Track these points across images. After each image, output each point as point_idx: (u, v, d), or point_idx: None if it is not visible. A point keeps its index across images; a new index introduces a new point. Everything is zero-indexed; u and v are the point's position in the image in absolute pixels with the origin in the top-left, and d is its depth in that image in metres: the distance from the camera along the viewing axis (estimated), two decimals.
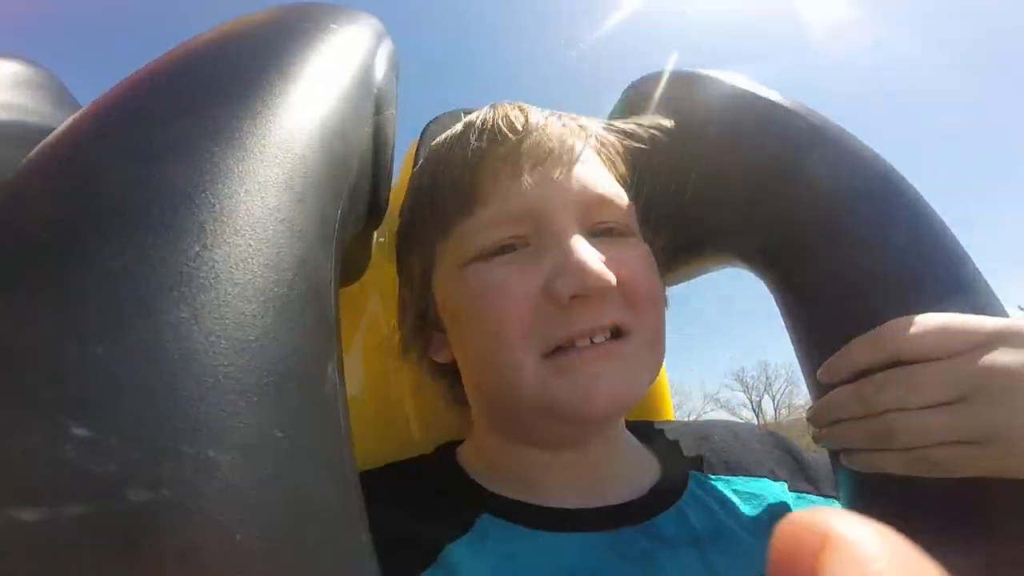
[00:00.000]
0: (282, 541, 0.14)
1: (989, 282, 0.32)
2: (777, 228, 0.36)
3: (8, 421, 0.12)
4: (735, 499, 0.36)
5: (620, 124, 0.36)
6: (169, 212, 0.16)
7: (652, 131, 0.36)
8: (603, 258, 0.30)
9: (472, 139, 0.33)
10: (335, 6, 0.30)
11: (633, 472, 0.36)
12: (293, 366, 0.17)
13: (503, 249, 0.31)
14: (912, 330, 0.27)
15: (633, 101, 0.41)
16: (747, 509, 0.36)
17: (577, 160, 0.32)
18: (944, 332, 0.27)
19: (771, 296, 0.39)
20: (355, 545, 0.18)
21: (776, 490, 0.37)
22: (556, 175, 0.31)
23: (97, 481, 0.12)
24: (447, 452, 0.39)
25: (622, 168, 0.36)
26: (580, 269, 0.28)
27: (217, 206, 0.17)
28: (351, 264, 0.40)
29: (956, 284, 0.31)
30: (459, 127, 0.36)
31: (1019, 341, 0.25)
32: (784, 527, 0.11)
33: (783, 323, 0.38)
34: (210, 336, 0.15)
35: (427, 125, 0.48)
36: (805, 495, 0.37)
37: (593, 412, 0.29)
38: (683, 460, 0.38)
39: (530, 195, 0.31)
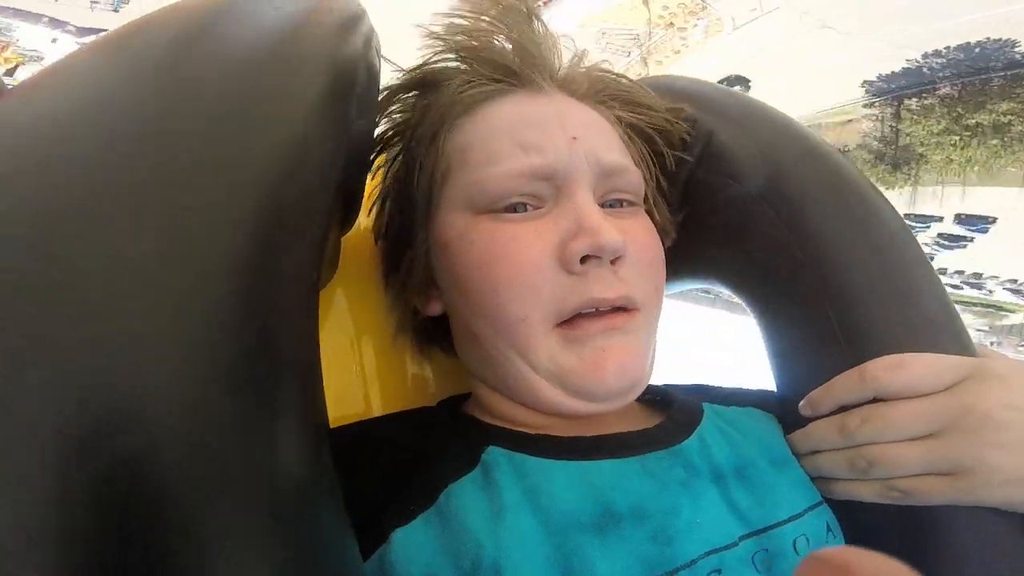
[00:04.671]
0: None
1: None
2: (763, 250, 0.36)
3: None
4: (750, 422, 0.35)
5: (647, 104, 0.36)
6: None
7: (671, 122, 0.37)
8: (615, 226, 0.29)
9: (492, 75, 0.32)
10: None
11: (647, 404, 0.35)
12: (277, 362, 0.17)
13: (515, 207, 0.30)
14: (893, 370, 0.29)
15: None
16: (766, 436, 0.34)
17: (603, 125, 0.33)
18: (922, 371, 0.29)
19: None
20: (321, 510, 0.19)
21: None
22: (582, 135, 0.31)
23: None
24: (452, 403, 0.37)
25: (638, 144, 0.36)
26: (594, 230, 0.28)
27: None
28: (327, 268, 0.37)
29: (935, 323, 0.32)
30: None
31: (989, 380, 0.28)
32: (806, 562, 0.11)
33: (762, 342, 0.38)
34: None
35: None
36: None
37: (604, 386, 0.28)
38: (689, 396, 0.37)
39: (556, 154, 0.30)
